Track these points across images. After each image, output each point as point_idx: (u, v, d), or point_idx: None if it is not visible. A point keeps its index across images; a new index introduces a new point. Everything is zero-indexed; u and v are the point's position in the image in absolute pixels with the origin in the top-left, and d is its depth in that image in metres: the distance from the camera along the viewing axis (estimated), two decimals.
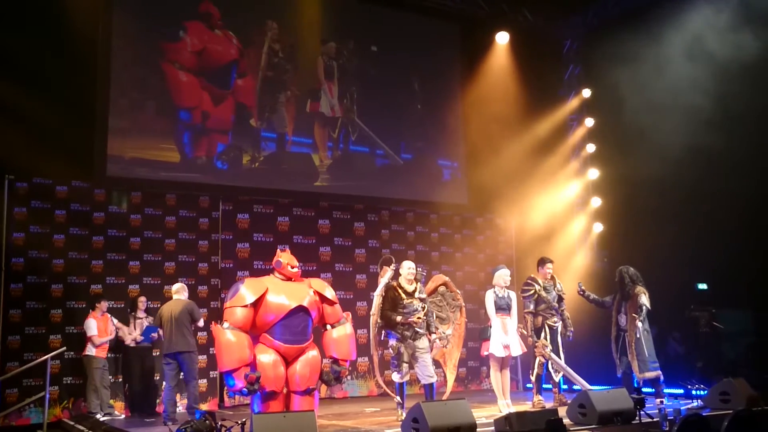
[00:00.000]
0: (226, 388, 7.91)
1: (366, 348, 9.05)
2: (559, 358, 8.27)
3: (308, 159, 10.93)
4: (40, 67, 8.81)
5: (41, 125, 8.64)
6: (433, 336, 7.67)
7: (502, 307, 7.97)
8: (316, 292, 6.44)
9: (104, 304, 8.73)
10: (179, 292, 8.33)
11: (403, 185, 11.61)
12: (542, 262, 8.60)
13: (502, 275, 8.06)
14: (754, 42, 9.44)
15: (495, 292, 8.03)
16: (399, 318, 7.41)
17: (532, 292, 8.32)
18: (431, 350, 7.68)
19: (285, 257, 6.51)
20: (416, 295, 7.58)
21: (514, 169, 11.73)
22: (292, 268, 6.43)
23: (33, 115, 8.57)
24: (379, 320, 7.54)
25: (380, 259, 7.99)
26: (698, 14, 10.22)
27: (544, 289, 8.37)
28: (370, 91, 11.52)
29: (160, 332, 8.82)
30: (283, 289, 6.27)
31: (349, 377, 10.36)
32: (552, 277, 8.52)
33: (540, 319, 8.35)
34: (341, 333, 6.52)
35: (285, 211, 10.49)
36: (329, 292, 6.54)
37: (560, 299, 8.48)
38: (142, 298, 9.05)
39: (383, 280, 7.60)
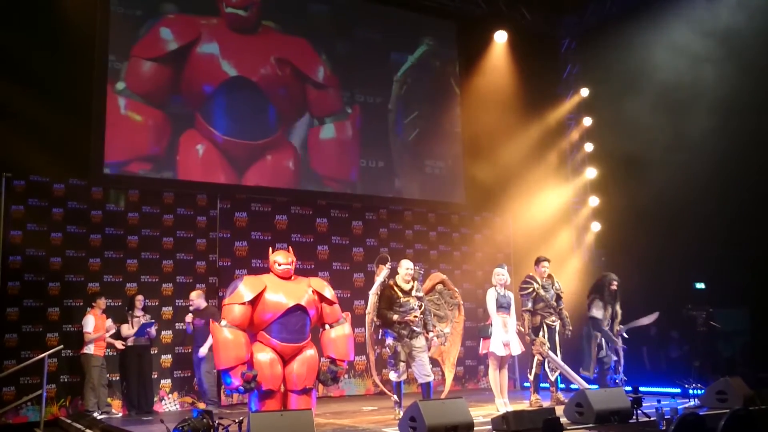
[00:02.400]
0: (223, 386, 7.89)
1: (363, 346, 9.05)
2: (557, 357, 8.28)
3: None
4: (37, 65, 8.79)
5: (38, 123, 8.64)
6: (431, 334, 7.67)
7: (503, 306, 7.98)
8: (315, 292, 6.41)
9: (102, 302, 8.73)
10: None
11: (400, 184, 11.60)
12: (538, 261, 8.61)
13: (495, 274, 8.10)
14: (751, 37, 9.45)
15: (496, 290, 8.04)
16: (395, 317, 7.41)
17: (530, 290, 8.32)
18: (429, 349, 7.68)
19: (273, 256, 6.48)
20: (413, 293, 7.57)
21: (512, 168, 11.76)
22: (279, 266, 6.39)
23: (30, 113, 8.59)
24: (375, 319, 7.54)
25: (377, 258, 7.99)
26: (696, 11, 10.22)
27: (543, 287, 8.37)
28: (368, 89, 11.47)
29: (152, 330, 8.86)
30: (282, 288, 6.25)
31: (346, 376, 10.37)
32: (549, 276, 8.53)
33: (538, 318, 8.35)
34: (339, 333, 6.49)
35: (283, 209, 10.49)
36: (328, 292, 6.51)
37: (558, 298, 8.49)
38: (140, 297, 9.03)
39: (379, 279, 7.60)
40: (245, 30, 10.58)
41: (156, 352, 9.26)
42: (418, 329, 7.49)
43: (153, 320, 9.00)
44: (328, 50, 11.17)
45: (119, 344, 8.70)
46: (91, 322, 8.53)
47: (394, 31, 11.84)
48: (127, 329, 8.78)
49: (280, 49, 10.76)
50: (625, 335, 8.80)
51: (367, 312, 7.60)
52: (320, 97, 11.05)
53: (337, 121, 11.13)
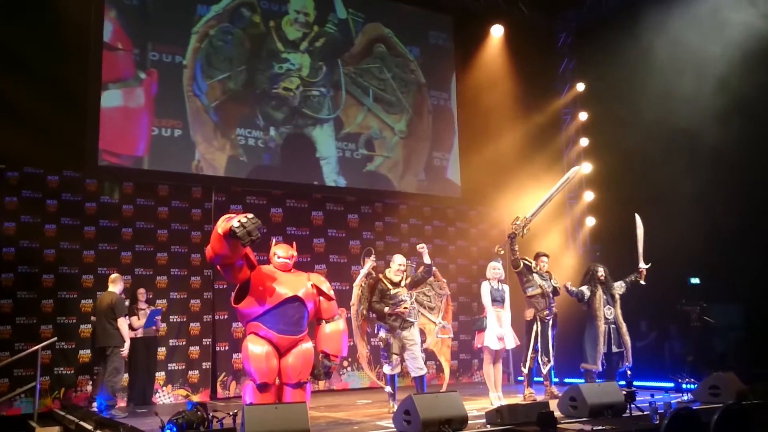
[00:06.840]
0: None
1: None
2: (551, 352, 8.30)
3: None
4: (32, 56, 8.75)
5: (33, 115, 8.59)
6: (437, 326, 7.78)
7: (497, 300, 8.01)
8: (314, 286, 6.44)
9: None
10: (115, 282, 8.29)
11: (395, 177, 11.58)
12: (537, 256, 8.66)
13: (490, 268, 8.13)
14: (750, 30, 9.43)
15: (491, 284, 8.06)
16: (386, 309, 7.45)
17: (529, 264, 8.38)
18: (424, 342, 7.75)
19: (274, 248, 6.50)
20: (403, 284, 7.63)
21: (508, 163, 11.74)
22: (278, 258, 6.41)
23: (24, 104, 8.53)
24: (365, 312, 7.61)
25: (363, 251, 8.05)
26: (693, 7, 10.21)
27: (540, 275, 8.39)
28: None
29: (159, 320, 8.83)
30: (281, 278, 6.28)
31: (349, 368, 10.41)
32: (548, 272, 8.56)
33: (532, 311, 8.35)
34: (334, 329, 6.54)
35: (278, 202, 10.47)
36: (326, 287, 6.56)
37: (555, 293, 8.50)
38: (141, 290, 9.03)
39: (363, 271, 7.68)
40: None
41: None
42: (410, 319, 7.54)
43: (159, 308, 8.99)
44: (117, 5, 9.75)
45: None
46: None
47: (389, 23, 11.66)
48: (136, 321, 8.79)
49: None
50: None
51: (351, 304, 7.64)
52: (107, 60, 9.55)
53: (126, 87, 9.67)
